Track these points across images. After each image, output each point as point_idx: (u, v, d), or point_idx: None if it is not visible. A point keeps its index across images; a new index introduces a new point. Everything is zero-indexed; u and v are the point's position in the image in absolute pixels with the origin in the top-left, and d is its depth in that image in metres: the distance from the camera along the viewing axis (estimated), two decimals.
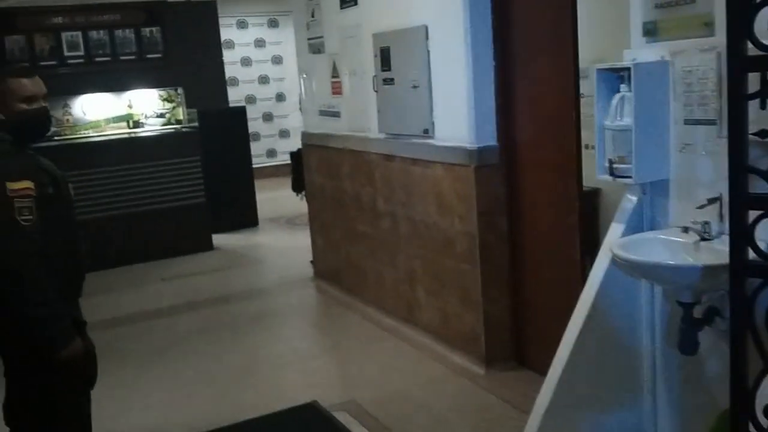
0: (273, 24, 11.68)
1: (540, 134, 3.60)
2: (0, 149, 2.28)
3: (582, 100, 3.38)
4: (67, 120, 7.32)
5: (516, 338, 3.91)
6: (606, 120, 2.67)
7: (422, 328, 4.33)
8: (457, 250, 3.92)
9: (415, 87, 4.06)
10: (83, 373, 2.37)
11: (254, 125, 10.97)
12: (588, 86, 3.46)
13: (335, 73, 5.03)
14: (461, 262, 3.91)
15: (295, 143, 11.69)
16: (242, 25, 11.46)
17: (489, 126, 3.75)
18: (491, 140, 3.75)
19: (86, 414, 2.49)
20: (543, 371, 3.39)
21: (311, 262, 5.90)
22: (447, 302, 4.09)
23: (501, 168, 3.77)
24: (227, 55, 9.64)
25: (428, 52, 3.95)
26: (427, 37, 3.94)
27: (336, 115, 5.11)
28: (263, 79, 11.68)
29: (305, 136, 5.71)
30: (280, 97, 11.81)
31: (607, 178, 2.67)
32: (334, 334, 4.78)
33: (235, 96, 10.65)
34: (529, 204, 3.71)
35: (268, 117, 11.77)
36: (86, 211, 6.30)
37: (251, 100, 11.46)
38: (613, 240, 2.64)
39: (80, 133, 7.18)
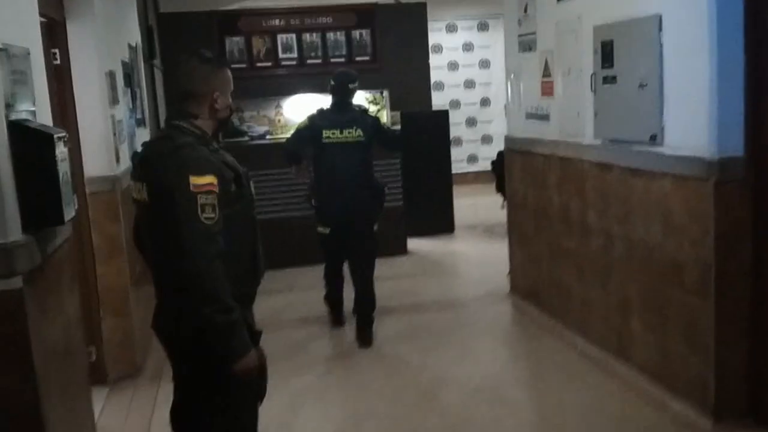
0: (483, 27, 11.37)
1: None
2: (185, 141, 2.14)
3: None
4: (279, 120, 7.55)
5: (755, 390, 3.22)
6: None
7: (635, 366, 3.75)
8: (686, 279, 3.30)
9: (642, 86, 3.51)
10: (255, 387, 2.18)
11: (457, 130, 10.75)
12: None
13: (546, 72, 4.58)
14: (690, 293, 3.29)
15: (497, 150, 11.39)
16: (451, 28, 11.28)
17: (735, 133, 3.11)
18: (737, 150, 3.11)
19: (252, 430, 2.30)
20: None
21: (508, 275, 5.47)
22: (668, 339, 3.47)
23: (748, 184, 3.11)
24: (435, 60, 9.49)
25: (661, 45, 3.38)
26: (660, 28, 3.37)
27: (545, 118, 4.66)
28: (469, 84, 11.41)
29: (509, 140, 5.30)
30: (484, 102, 11.47)
31: None
32: (530, 361, 4.32)
33: (440, 100, 10.48)
34: None
35: (471, 122, 11.49)
36: (285, 209, 6.44)
37: (455, 104, 11.25)
38: None
39: (290, 133, 7.34)
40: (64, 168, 2.35)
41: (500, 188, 5.93)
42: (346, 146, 4.59)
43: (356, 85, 4.76)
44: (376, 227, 4.69)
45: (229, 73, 2.29)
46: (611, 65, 3.74)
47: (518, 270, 5.30)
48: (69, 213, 2.37)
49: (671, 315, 3.44)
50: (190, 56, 2.22)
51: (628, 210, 3.73)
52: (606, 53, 3.77)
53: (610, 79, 3.77)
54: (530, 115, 4.85)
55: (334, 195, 4.63)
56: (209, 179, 2.06)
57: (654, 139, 3.45)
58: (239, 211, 2.18)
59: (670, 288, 3.42)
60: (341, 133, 4.59)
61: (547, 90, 4.58)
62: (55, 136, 2.30)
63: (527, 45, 4.81)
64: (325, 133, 4.61)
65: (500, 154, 5.72)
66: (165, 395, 3.92)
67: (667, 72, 3.36)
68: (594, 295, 4.14)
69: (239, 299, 2.11)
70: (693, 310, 3.28)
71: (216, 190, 2.07)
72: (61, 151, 2.33)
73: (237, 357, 2.06)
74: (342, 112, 4.66)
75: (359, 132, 4.60)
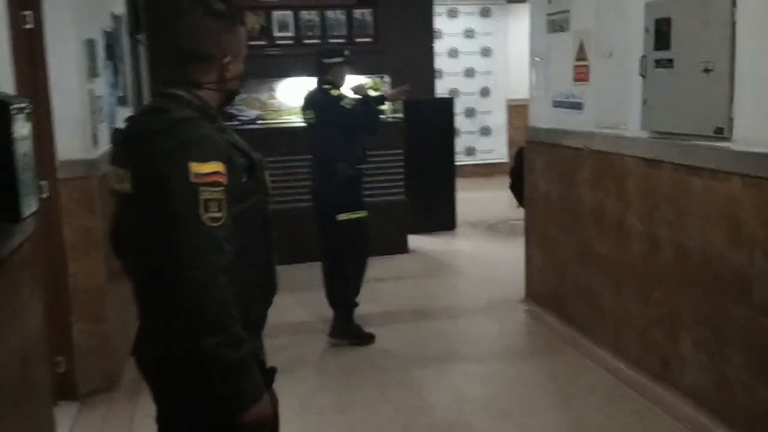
0: (485, 13, 10.87)
1: None
2: (184, 114, 1.61)
3: None
4: (272, 104, 7.01)
5: None
6: None
7: (684, 393, 3.30)
8: (755, 297, 2.85)
9: (707, 71, 3.04)
10: None
11: (455, 120, 10.25)
12: None
13: (581, 55, 4.11)
14: (759, 313, 2.84)
15: (496, 142, 10.96)
16: (452, 14, 10.77)
17: None
18: None
19: None
20: None
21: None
22: (727, 364, 3.03)
23: None
24: (435, 46, 8.98)
25: (733, 23, 2.92)
26: (733, 3, 2.91)
27: (576, 106, 4.19)
28: (469, 72, 10.91)
29: (531, 131, 4.83)
30: (484, 92, 10.99)
31: None
32: (557, 381, 3.81)
33: (439, 89, 9.97)
34: None
35: (470, 112, 11.00)
36: (278, 201, 5.92)
37: (454, 93, 10.73)
38: None
39: (283, 118, 6.82)
40: (24, 148, 1.84)
41: (515, 188, 5.45)
42: (309, 127, 4.51)
43: (333, 60, 4.39)
44: (344, 217, 4.33)
45: (244, 32, 1.77)
46: (667, 47, 3.28)
47: (536, 274, 4.85)
48: (29, 207, 1.86)
49: (732, 337, 3.00)
50: (196, 6, 1.68)
51: (681, 213, 3.27)
52: (661, 32, 3.30)
53: (664, 63, 3.30)
54: (559, 103, 4.39)
55: (312, 175, 4.58)
56: (215, 167, 1.55)
57: (720, 132, 2.99)
58: (251, 210, 1.68)
59: (733, 305, 2.97)
60: (302, 113, 4.54)
61: (581, 75, 4.11)
62: (13, 105, 1.79)
63: (558, 24, 4.33)
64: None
65: (520, 150, 5.23)
66: (144, 413, 3.42)
67: (741, 54, 2.90)
68: (632, 308, 3.69)
69: (247, 326, 1.61)
70: (763, 332, 2.84)
71: (224, 180, 1.56)
72: (20, 126, 1.82)
73: (248, 403, 1.56)
74: (315, 91, 4.45)
75: (311, 113, 4.42)
